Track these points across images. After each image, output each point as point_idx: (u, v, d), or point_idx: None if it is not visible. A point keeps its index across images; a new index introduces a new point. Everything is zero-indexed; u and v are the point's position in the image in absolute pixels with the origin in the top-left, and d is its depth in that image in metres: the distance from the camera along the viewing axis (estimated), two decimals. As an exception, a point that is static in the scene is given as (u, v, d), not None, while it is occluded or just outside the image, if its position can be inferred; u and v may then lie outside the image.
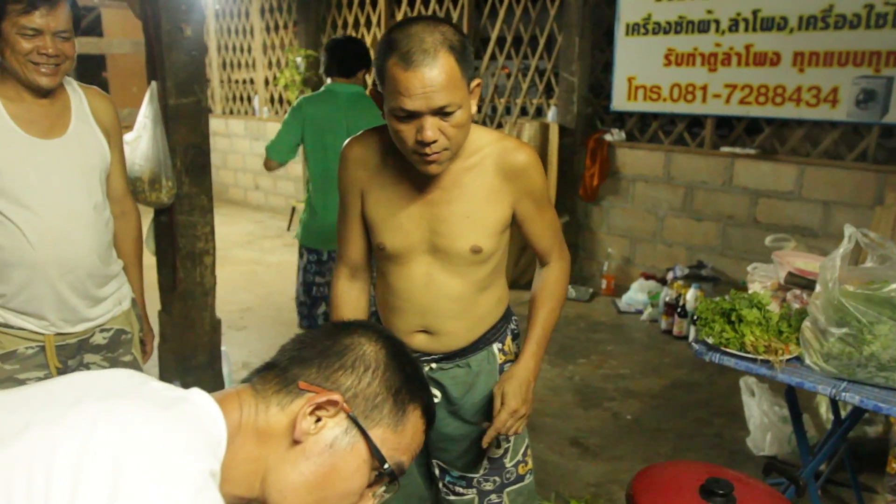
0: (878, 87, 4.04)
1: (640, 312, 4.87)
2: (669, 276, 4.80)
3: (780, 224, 4.49)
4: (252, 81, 8.16)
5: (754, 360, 1.87)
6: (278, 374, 0.89)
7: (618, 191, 5.26)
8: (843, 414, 2.46)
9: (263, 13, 7.69)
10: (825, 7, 4.13)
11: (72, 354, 1.93)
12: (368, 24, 6.68)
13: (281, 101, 7.76)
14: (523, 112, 5.82)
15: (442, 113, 1.33)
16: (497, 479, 1.77)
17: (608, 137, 5.17)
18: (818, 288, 1.83)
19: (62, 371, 1.90)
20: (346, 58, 3.12)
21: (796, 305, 2.05)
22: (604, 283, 5.27)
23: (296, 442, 0.84)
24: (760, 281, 2.21)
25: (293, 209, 7.16)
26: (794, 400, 2.28)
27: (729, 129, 4.79)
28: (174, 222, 2.99)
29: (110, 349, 2.02)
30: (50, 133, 1.76)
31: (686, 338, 4.40)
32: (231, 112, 8.49)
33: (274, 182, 8.07)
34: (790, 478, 1.45)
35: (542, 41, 5.44)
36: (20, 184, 1.69)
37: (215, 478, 0.75)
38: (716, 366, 3.61)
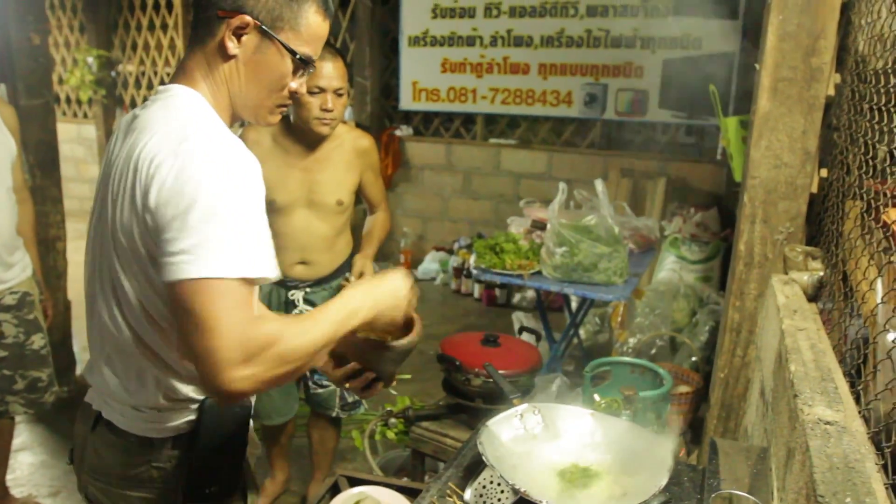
0: (598, 91, 5.33)
1: (434, 279, 5.83)
2: (455, 246, 5.81)
3: (537, 198, 5.65)
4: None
5: (511, 275, 2.81)
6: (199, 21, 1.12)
7: (409, 178, 6.17)
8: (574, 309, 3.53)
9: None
10: (559, 30, 5.35)
11: None
12: (164, 27, 6.93)
13: (72, 101, 7.67)
14: (322, 111, 6.50)
15: (337, 94, 2.11)
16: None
17: (398, 133, 6.06)
18: (548, 225, 2.81)
19: None
20: None
21: (538, 241, 3.04)
22: (402, 258, 6.16)
23: (232, 57, 1.10)
24: (516, 228, 3.18)
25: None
26: (542, 308, 3.30)
27: (495, 125, 5.91)
28: (27, 212, 3.32)
29: (18, 308, 2.45)
30: None
31: (471, 294, 5.42)
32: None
33: (65, 184, 7.91)
34: (534, 332, 2.36)
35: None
36: None
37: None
38: (495, 311, 4.59)
